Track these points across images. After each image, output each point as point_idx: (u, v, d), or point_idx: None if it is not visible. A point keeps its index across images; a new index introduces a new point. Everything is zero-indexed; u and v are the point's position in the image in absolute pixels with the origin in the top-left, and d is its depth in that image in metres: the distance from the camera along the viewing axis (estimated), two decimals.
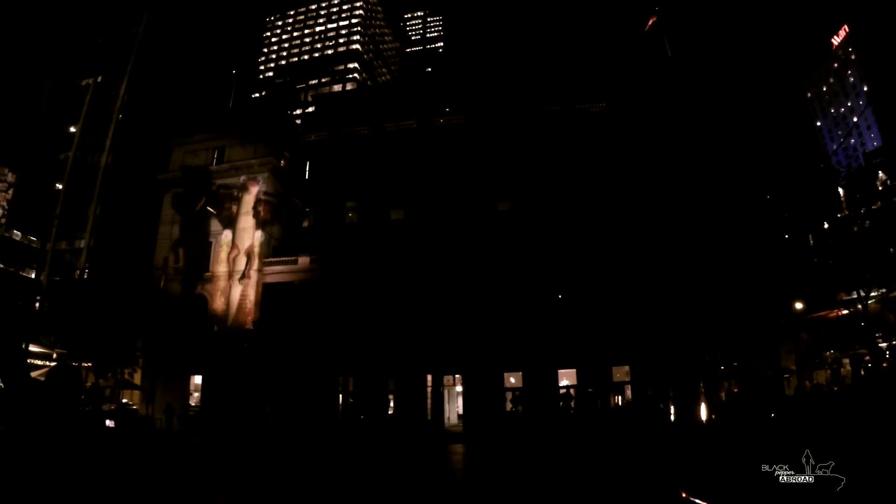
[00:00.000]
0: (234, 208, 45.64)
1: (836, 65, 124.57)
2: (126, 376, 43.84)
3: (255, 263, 44.00)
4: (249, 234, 44.83)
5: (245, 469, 18.85)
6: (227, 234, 45.28)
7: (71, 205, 70.13)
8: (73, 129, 74.78)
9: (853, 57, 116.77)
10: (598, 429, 34.32)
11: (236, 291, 43.77)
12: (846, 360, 42.60)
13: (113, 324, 41.80)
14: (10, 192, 66.37)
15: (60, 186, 71.67)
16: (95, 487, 13.37)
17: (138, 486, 14.16)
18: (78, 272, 56.84)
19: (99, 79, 78.39)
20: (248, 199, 45.61)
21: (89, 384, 40.38)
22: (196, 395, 43.87)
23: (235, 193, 45.91)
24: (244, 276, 43.66)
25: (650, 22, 50.02)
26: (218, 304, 43.82)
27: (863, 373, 39.61)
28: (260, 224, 44.95)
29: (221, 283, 44.26)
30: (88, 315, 41.35)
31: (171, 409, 39.30)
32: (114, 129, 74.28)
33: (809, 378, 42.38)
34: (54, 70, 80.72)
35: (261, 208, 44.94)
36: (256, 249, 44.32)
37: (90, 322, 40.93)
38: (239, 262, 44.20)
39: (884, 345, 40.06)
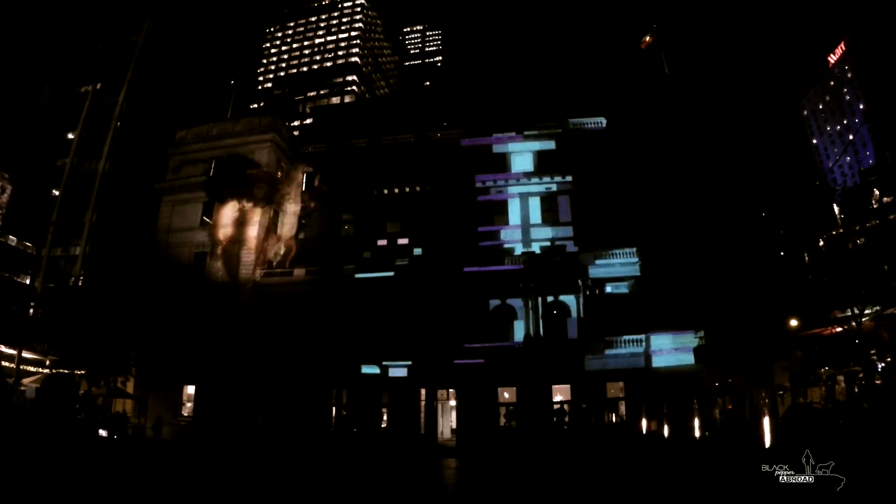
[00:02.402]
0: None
1: (832, 83, 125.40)
2: (119, 385, 43.54)
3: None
4: None
5: (236, 479, 18.74)
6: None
7: (67, 211, 70.08)
8: (71, 136, 74.86)
9: (849, 75, 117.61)
10: (592, 444, 34.20)
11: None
12: (840, 378, 42.53)
13: (107, 332, 41.56)
14: (6, 196, 66.29)
15: (57, 193, 71.63)
16: (87, 496, 13.30)
17: (130, 494, 14.07)
18: (73, 279, 56.63)
19: (98, 86, 78.58)
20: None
21: (82, 392, 40.14)
22: (189, 404, 43.64)
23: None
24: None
25: (648, 39, 50.39)
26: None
27: (856, 390, 39.61)
28: None
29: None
30: (82, 322, 41.11)
31: (161, 420, 39.14)
32: (112, 136, 74.40)
33: (804, 395, 42.33)
34: (54, 76, 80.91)
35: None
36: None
37: (84, 329, 40.70)
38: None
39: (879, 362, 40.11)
